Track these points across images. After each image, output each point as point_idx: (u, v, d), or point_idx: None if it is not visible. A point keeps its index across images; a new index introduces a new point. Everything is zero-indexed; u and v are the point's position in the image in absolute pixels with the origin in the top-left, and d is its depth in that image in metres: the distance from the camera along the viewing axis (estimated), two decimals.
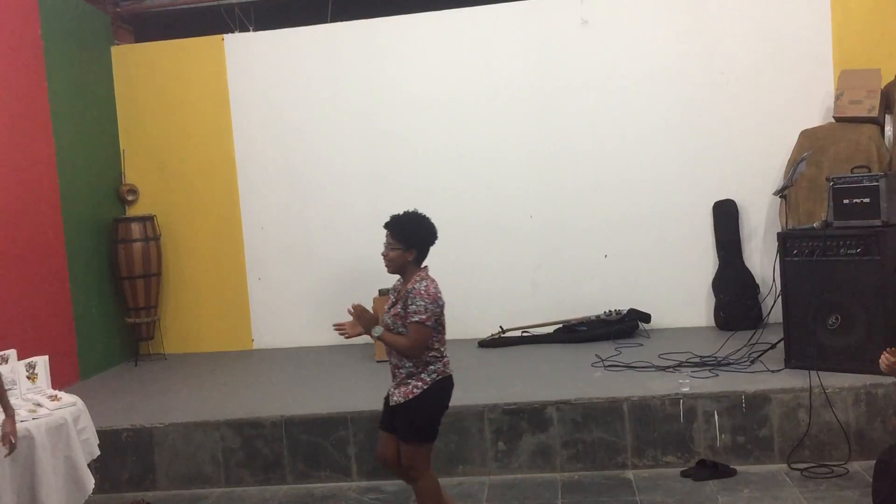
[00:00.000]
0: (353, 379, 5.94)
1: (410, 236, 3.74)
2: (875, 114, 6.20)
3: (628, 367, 5.53)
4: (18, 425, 3.49)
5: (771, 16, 6.68)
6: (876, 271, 4.83)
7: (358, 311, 3.69)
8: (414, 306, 3.63)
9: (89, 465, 3.85)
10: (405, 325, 3.66)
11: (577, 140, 6.94)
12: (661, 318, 6.81)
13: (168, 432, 5.04)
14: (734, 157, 6.76)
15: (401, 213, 3.81)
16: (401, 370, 3.72)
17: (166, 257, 7.37)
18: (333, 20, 7.33)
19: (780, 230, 5.63)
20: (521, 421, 4.84)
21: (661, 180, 6.84)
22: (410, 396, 3.68)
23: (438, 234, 3.78)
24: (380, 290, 6.47)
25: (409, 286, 3.70)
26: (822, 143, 6.25)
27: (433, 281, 3.74)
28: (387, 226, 3.75)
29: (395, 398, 3.73)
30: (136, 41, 7.93)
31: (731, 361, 5.38)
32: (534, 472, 4.82)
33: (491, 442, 4.87)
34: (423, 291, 3.65)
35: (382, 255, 3.74)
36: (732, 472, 4.59)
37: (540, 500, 4.46)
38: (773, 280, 5.29)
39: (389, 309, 3.78)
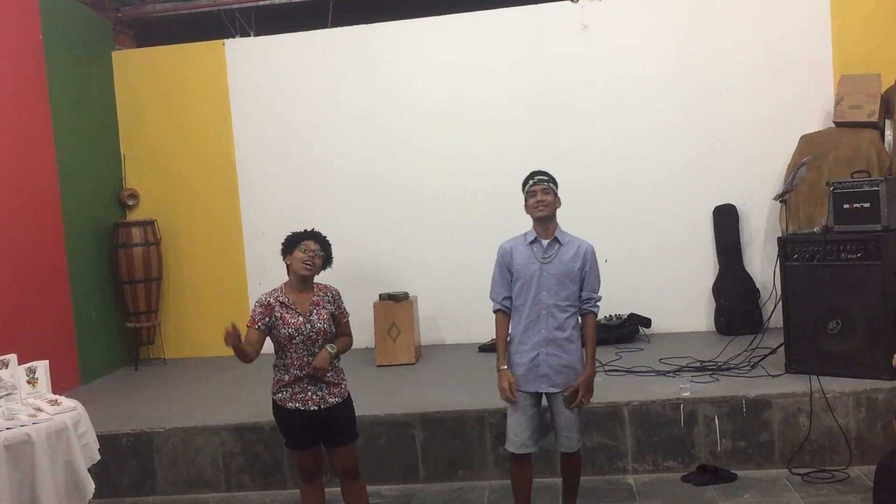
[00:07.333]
0: (353, 384, 5.86)
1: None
2: (875, 118, 6.21)
3: (629, 371, 5.54)
4: (19, 430, 3.50)
5: (771, 20, 6.70)
6: (876, 276, 4.84)
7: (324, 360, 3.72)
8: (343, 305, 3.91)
9: (89, 470, 3.84)
10: (339, 324, 3.83)
11: (578, 144, 6.95)
12: (662, 322, 6.81)
13: (168, 437, 5.04)
14: (734, 161, 6.77)
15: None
16: (328, 373, 3.75)
17: (167, 262, 7.38)
18: (334, 25, 7.35)
19: (780, 235, 5.63)
20: None
21: (662, 185, 6.85)
22: (347, 393, 3.84)
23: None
24: (380, 295, 6.47)
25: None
26: (822, 148, 6.25)
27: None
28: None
29: (331, 399, 3.75)
30: (137, 46, 7.95)
31: (732, 366, 5.38)
32: (534, 476, 4.80)
33: (491, 446, 4.86)
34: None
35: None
36: (733, 477, 4.58)
37: None
38: (774, 285, 5.29)
39: (312, 314, 3.75)
